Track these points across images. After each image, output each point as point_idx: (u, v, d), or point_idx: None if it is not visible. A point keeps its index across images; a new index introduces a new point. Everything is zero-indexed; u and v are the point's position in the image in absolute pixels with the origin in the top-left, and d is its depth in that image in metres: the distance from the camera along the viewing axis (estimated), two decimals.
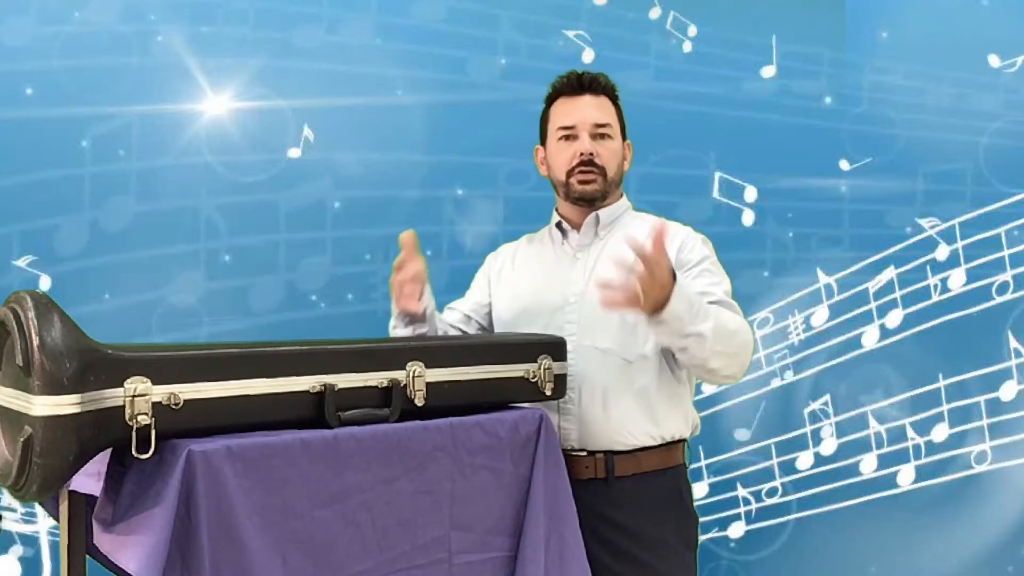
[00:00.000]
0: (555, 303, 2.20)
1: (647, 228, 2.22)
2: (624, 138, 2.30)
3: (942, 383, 3.43)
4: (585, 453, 2.13)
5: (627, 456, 2.13)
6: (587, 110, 2.23)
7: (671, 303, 1.89)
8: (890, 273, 3.47)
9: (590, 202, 2.24)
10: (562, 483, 1.94)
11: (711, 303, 2.06)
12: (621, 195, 2.32)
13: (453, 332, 2.32)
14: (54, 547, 3.03)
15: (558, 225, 2.31)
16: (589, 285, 2.17)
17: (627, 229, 2.23)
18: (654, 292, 1.87)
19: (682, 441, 2.22)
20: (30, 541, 3.06)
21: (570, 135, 2.23)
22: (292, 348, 1.70)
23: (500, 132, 3.32)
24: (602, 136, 2.22)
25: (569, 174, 2.22)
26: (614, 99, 2.28)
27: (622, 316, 2.10)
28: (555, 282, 2.24)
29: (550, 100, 2.30)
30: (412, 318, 2.15)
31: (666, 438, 2.16)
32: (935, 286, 3.45)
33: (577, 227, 2.28)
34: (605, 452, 2.13)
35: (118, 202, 3.12)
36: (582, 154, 2.20)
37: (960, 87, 3.52)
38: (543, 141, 2.32)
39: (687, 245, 2.19)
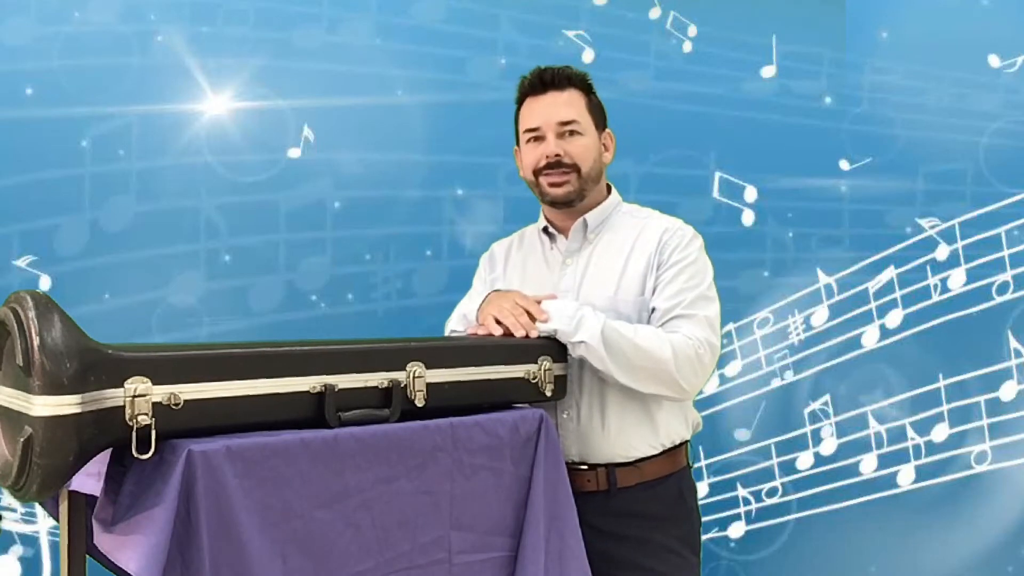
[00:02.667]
0: None
1: (637, 227, 2.21)
2: (603, 127, 2.24)
3: (942, 383, 3.43)
4: (586, 467, 2.11)
5: (629, 467, 2.11)
6: (551, 109, 2.17)
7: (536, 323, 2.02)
8: (890, 273, 3.47)
9: (567, 204, 2.19)
10: (562, 484, 1.93)
11: (664, 321, 2.07)
12: (609, 191, 2.28)
13: None
14: (54, 547, 3.03)
15: (545, 230, 2.28)
16: (581, 294, 2.16)
17: (616, 231, 2.22)
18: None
19: (684, 443, 2.20)
20: (30, 541, 3.06)
21: (537, 136, 2.18)
22: (292, 348, 1.70)
23: (500, 132, 3.27)
24: (570, 133, 2.16)
25: (537, 174, 2.18)
26: (585, 89, 2.21)
27: None
28: (545, 292, 2.19)
29: (518, 102, 2.25)
30: None
31: (666, 444, 2.15)
32: (935, 286, 3.45)
33: (564, 231, 2.24)
34: (607, 465, 2.11)
35: (118, 202, 3.12)
36: (548, 156, 2.15)
37: (960, 87, 3.52)
38: (518, 143, 2.28)
39: (668, 246, 2.14)
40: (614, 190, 2.29)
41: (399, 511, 1.71)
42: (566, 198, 2.18)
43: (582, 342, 1.99)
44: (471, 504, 1.81)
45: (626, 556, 2.09)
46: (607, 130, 2.26)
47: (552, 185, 2.17)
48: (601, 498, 2.10)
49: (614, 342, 1.99)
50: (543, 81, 2.19)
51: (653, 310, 2.11)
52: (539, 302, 2.06)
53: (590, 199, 2.22)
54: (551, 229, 2.27)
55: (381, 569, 1.69)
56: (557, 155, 2.15)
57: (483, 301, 2.14)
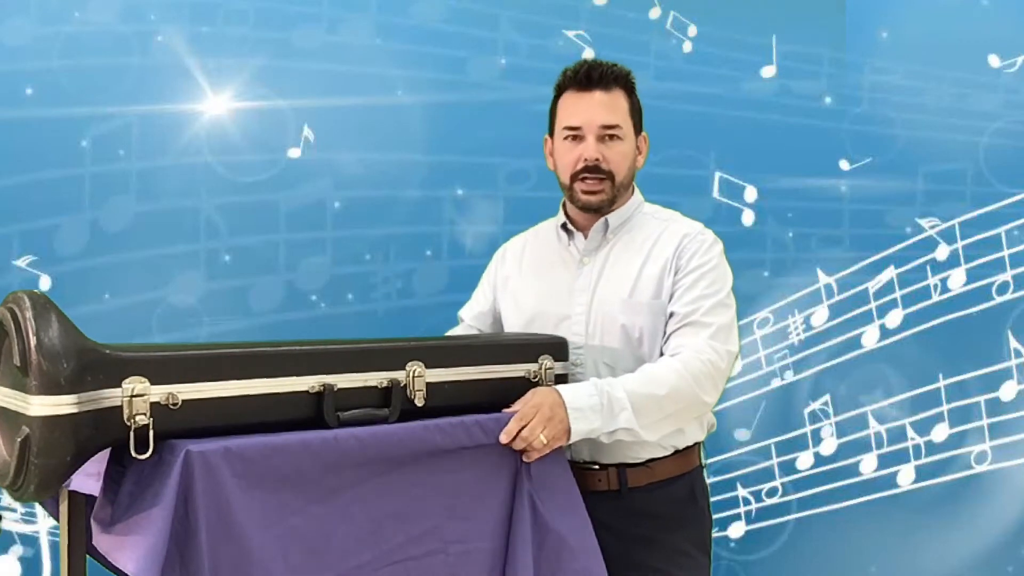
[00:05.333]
0: (561, 313, 2.15)
1: (657, 230, 2.17)
2: (640, 131, 2.20)
3: (942, 383, 3.43)
4: (597, 467, 2.09)
5: (640, 467, 2.09)
6: (595, 110, 2.12)
7: (572, 427, 1.88)
8: (890, 273, 3.47)
9: (596, 210, 2.16)
10: (563, 481, 1.92)
11: (679, 327, 2.04)
12: (632, 192, 2.23)
13: None
14: (54, 547, 3.03)
15: (564, 226, 2.24)
16: (596, 294, 2.13)
17: (635, 232, 2.18)
18: (553, 432, 1.86)
19: (696, 444, 2.18)
20: (30, 541, 3.06)
21: (576, 135, 2.13)
22: (291, 348, 1.70)
23: (500, 132, 3.32)
24: (611, 138, 2.12)
25: (574, 178, 2.13)
26: (629, 90, 2.18)
27: (627, 327, 2.08)
28: (560, 292, 2.17)
29: (559, 91, 2.19)
30: None
31: (678, 446, 2.12)
32: (935, 286, 3.44)
33: (584, 230, 2.20)
34: (617, 465, 2.09)
35: (118, 202, 3.12)
36: (586, 160, 2.10)
37: (960, 87, 3.51)
38: (551, 132, 2.23)
39: (687, 251, 2.11)
40: (637, 190, 2.25)
41: (395, 505, 1.71)
42: (598, 205, 2.15)
43: (622, 429, 1.93)
44: (469, 500, 1.81)
45: (636, 556, 2.07)
46: (643, 133, 2.22)
47: (586, 192, 2.13)
48: (612, 498, 2.08)
49: (644, 407, 1.94)
50: (590, 78, 2.13)
51: (671, 315, 2.08)
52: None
53: (615, 204, 2.19)
54: (570, 226, 2.23)
55: (379, 561, 1.69)
56: (596, 159, 2.11)
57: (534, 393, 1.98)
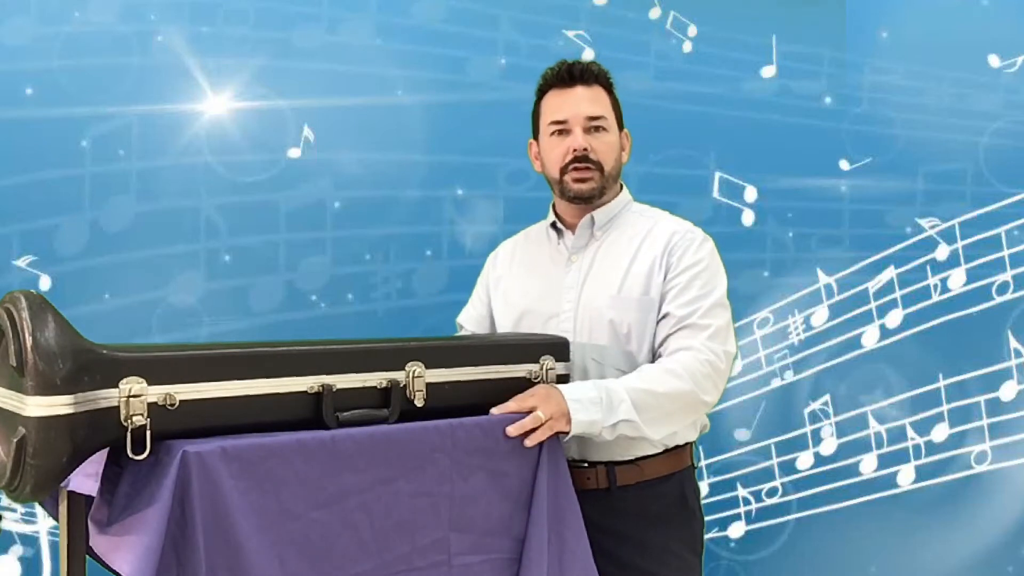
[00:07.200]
0: (549, 312, 2.16)
1: (645, 227, 2.19)
2: (621, 128, 2.22)
3: (942, 383, 3.43)
4: (586, 464, 2.09)
5: (629, 465, 2.09)
6: (579, 103, 2.14)
7: (572, 416, 1.88)
8: (890, 273, 3.47)
9: (587, 200, 2.17)
10: (564, 485, 1.91)
11: (676, 329, 2.04)
12: (620, 189, 2.25)
13: None
14: (54, 547, 3.03)
15: (553, 225, 2.26)
16: (584, 291, 2.14)
17: (623, 229, 2.19)
18: (551, 411, 1.86)
19: (688, 444, 2.17)
20: (30, 541, 3.06)
21: (562, 129, 2.15)
22: (290, 348, 1.69)
23: (500, 132, 3.32)
24: (596, 129, 2.14)
25: (563, 171, 2.15)
26: (608, 88, 2.20)
27: (615, 323, 2.09)
28: (549, 289, 2.18)
29: (541, 92, 2.22)
30: None
31: (668, 445, 2.12)
32: (935, 286, 3.44)
33: (572, 228, 2.22)
34: (606, 463, 2.08)
35: (118, 202, 3.12)
36: (575, 150, 2.12)
37: (960, 87, 3.52)
38: (536, 135, 2.25)
39: (677, 249, 2.11)
40: (625, 188, 2.26)
41: (397, 513, 1.70)
42: (589, 194, 2.16)
43: (624, 421, 1.93)
44: (470, 506, 1.79)
45: (625, 556, 2.07)
46: (624, 130, 2.24)
47: (577, 181, 2.14)
48: (601, 496, 2.08)
49: (644, 403, 1.94)
50: (572, 74, 2.16)
51: (666, 316, 2.07)
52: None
53: (604, 197, 2.20)
54: (559, 224, 2.25)
55: (380, 571, 1.67)
56: (584, 149, 2.13)
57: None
